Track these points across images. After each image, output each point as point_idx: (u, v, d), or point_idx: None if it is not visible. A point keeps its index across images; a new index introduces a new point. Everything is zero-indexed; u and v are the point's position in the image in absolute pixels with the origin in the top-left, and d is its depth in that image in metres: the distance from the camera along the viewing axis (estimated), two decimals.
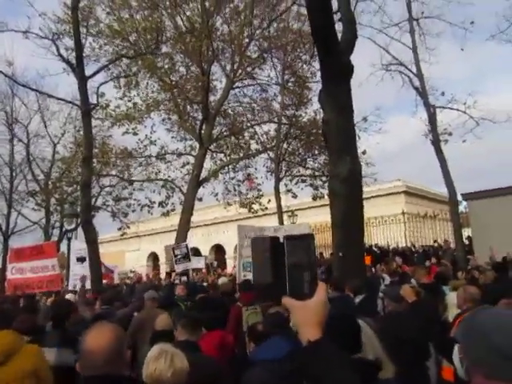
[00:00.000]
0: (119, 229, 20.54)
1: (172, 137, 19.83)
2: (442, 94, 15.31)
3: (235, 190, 19.63)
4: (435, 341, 3.95)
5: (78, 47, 10.67)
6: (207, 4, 16.25)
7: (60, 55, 11.56)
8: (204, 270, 17.31)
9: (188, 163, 19.44)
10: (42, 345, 3.38)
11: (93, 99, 12.67)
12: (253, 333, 3.53)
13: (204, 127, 16.88)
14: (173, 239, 16.75)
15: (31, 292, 11.16)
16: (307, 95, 19.00)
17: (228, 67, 18.40)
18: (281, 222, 17.57)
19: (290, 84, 19.30)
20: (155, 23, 15.21)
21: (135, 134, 18.30)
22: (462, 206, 15.15)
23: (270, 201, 18.50)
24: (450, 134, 14.82)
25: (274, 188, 18.05)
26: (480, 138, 14.90)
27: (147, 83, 18.25)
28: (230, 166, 19.57)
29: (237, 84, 18.88)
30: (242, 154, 19.55)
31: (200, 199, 18.82)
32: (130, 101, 17.80)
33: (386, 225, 18.27)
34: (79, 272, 12.36)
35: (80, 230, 12.07)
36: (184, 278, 11.75)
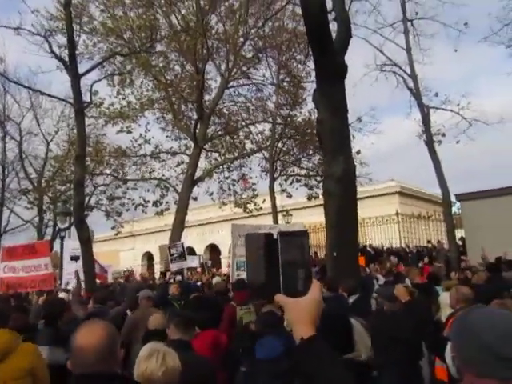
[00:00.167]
0: (113, 228, 20.46)
1: (166, 136, 19.81)
2: (436, 94, 15.40)
3: (230, 190, 19.64)
4: (428, 340, 3.97)
5: (71, 44, 10.58)
6: (202, 2, 16.20)
7: (53, 52, 11.46)
8: (199, 270, 17.30)
9: (182, 162, 19.42)
10: (34, 343, 3.36)
11: (86, 97, 12.60)
12: (246, 332, 3.52)
13: (199, 126, 16.85)
14: (167, 239, 16.71)
15: (24, 291, 11.08)
16: (302, 95, 19.06)
17: (223, 66, 18.39)
18: (275, 222, 17.57)
19: (284, 84, 19.32)
20: (149, 21, 15.15)
21: (129, 132, 18.24)
22: (456, 207, 15.24)
23: (264, 200, 18.50)
24: (444, 134, 14.91)
25: (268, 188, 18.05)
26: (473, 140, 15.00)
27: (142, 81, 18.22)
28: (224, 166, 19.56)
29: (232, 83, 18.87)
30: (236, 154, 19.54)
31: (195, 199, 18.80)
32: (124, 99, 17.74)
33: (380, 225, 18.32)
34: (73, 271, 12.30)
35: (74, 229, 12.00)
36: (178, 278, 11.72)
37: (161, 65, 17.52)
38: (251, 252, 1.07)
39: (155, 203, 18.90)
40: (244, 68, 18.85)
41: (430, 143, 13.99)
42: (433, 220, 18.54)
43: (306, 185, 19.42)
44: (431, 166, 13.86)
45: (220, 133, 19.71)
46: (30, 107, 22.62)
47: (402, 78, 15.35)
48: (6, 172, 23.17)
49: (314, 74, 8.40)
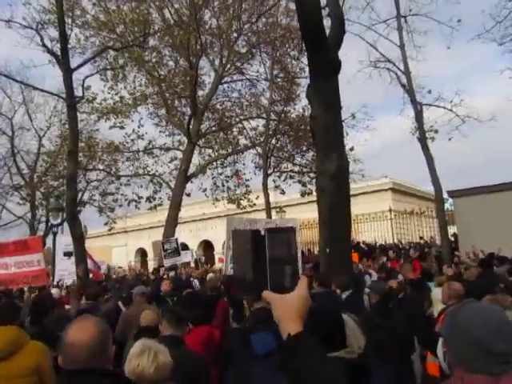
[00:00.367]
0: (106, 224, 20.37)
1: (160, 131, 19.74)
2: (429, 91, 15.45)
3: (223, 186, 19.62)
4: (420, 335, 3.99)
5: (63, 38, 10.46)
6: None
7: (44, 46, 11.33)
8: (193, 265, 17.28)
9: (176, 158, 19.37)
10: None
11: (79, 92, 12.49)
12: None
13: (192, 122, 16.78)
14: (161, 235, 16.68)
15: (16, 287, 11.01)
16: (296, 91, 19.04)
17: (216, 61, 18.34)
18: (269, 218, 17.58)
19: (278, 79, 19.29)
20: (142, 15, 15.04)
21: (122, 128, 18.14)
22: (448, 204, 15.34)
23: (258, 197, 18.50)
24: (436, 131, 14.97)
25: (262, 184, 18.05)
26: (466, 136, 15.07)
27: (134, 76, 18.12)
28: (218, 162, 19.53)
29: (225, 79, 18.83)
30: (230, 150, 19.52)
31: (188, 194, 18.77)
32: (116, 94, 17.62)
33: (373, 222, 18.40)
34: (66, 267, 12.23)
35: (67, 225, 11.93)
36: (172, 273, 11.70)
37: (154, 60, 17.41)
38: (239, 248, 1.06)
39: (148, 199, 18.84)
40: (238, 63, 18.80)
41: (422, 140, 14.03)
42: (425, 216, 18.65)
43: (299, 181, 19.44)
44: (424, 163, 13.92)
45: (214, 128, 19.66)
46: (22, 102, 22.47)
47: (396, 74, 15.37)
48: None
49: (307, 69, 8.38)
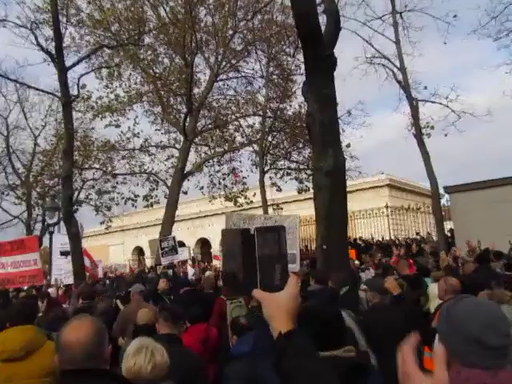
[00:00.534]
0: (102, 223, 20.32)
1: (156, 129, 19.69)
2: (425, 87, 15.52)
3: (220, 184, 19.60)
4: (417, 331, 4.00)
5: (58, 37, 10.41)
6: None
7: (39, 45, 11.26)
8: (190, 263, 17.27)
9: (172, 156, 19.35)
10: None
11: (74, 91, 12.44)
12: (235, 326, 3.52)
13: (188, 120, 16.75)
14: (158, 233, 16.65)
15: (13, 287, 10.97)
16: (292, 88, 19.03)
17: (212, 59, 18.28)
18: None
19: (274, 77, 19.27)
20: (137, 13, 14.97)
21: (117, 126, 18.08)
22: (444, 199, 15.39)
23: (255, 194, 18.50)
24: (432, 127, 15.02)
25: (258, 181, 18.04)
26: (462, 132, 15.14)
27: (130, 74, 18.06)
28: (214, 159, 19.50)
29: (221, 76, 18.78)
30: (226, 147, 19.49)
31: (185, 192, 18.75)
32: (112, 92, 17.56)
33: (370, 218, 18.45)
34: (63, 266, 12.20)
35: (63, 224, 11.89)
36: (169, 272, 11.68)
37: (149, 58, 17.35)
38: (228, 246, 1.06)
39: (145, 197, 18.82)
40: (233, 61, 18.76)
41: (418, 136, 14.07)
42: (422, 212, 18.71)
43: (296, 178, 19.45)
44: (420, 159, 13.97)
45: (210, 126, 19.62)
46: (17, 101, 22.30)
47: (392, 71, 15.40)
48: None
49: (303, 66, 8.37)
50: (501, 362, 1.26)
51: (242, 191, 19.18)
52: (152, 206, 18.96)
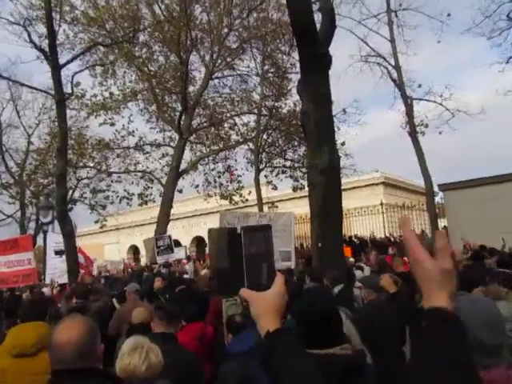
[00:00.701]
0: (96, 222, 20.24)
1: (151, 128, 19.62)
2: (419, 86, 15.57)
3: (215, 182, 19.58)
4: (412, 328, 4.01)
5: (51, 34, 10.32)
6: None
7: (32, 42, 11.17)
8: (185, 261, 17.25)
9: (167, 154, 19.28)
10: None
11: (67, 88, 12.36)
12: (231, 324, 3.52)
13: (183, 118, 16.70)
14: (153, 231, 16.61)
15: (6, 287, 10.91)
16: (287, 86, 19.00)
17: (207, 57, 18.23)
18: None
19: (269, 75, 19.24)
20: (132, 11, 14.89)
21: (112, 124, 17.99)
22: (439, 197, 15.47)
23: (250, 192, 18.49)
24: (427, 125, 15.10)
25: (253, 179, 18.04)
26: (455, 129, 15.23)
27: (124, 72, 17.96)
28: (209, 158, 19.47)
29: (216, 74, 18.73)
30: (221, 146, 19.45)
31: (180, 191, 18.70)
32: (106, 90, 17.48)
33: (365, 216, 18.49)
34: (58, 266, 12.14)
35: (57, 223, 11.83)
36: (165, 270, 11.66)
37: (144, 56, 17.27)
38: (215, 247, 1.07)
39: (140, 196, 18.76)
40: (228, 59, 18.72)
41: (413, 134, 14.14)
42: (416, 210, 18.78)
43: (291, 176, 19.46)
44: (415, 157, 14.03)
45: (205, 124, 19.58)
46: (10, 99, 22.15)
47: (386, 69, 15.46)
48: None
49: (298, 65, 8.37)
50: (496, 359, 1.27)
51: (237, 189, 19.16)
52: (147, 203, 18.91)
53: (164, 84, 17.63)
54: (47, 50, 10.70)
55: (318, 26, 7.78)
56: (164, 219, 16.48)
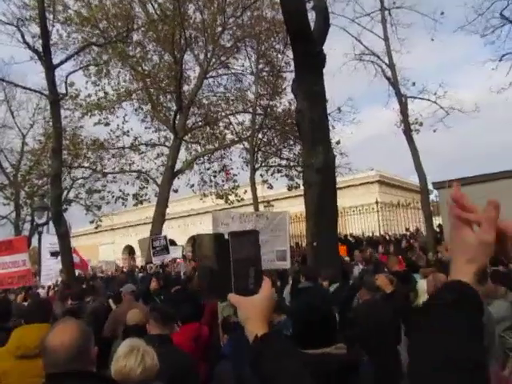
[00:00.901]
0: (92, 222, 20.16)
1: (146, 127, 19.56)
2: (413, 84, 15.59)
3: (211, 181, 19.56)
4: (407, 326, 4.03)
5: (45, 34, 10.25)
6: None
7: (25, 42, 11.11)
8: (179, 260, 17.22)
9: (162, 154, 19.23)
10: None
11: (62, 89, 12.30)
12: (226, 325, 3.52)
13: (178, 117, 16.66)
14: (148, 232, 16.58)
15: (1, 288, 10.86)
16: (281, 85, 19.00)
17: (201, 56, 18.20)
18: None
19: (264, 73, 19.22)
20: (125, 10, 14.83)
21: (107, 124, 17.94)
22: (433, 195, 15.53)
23: (246, 191, 18.48)
24: (421, 124, 15.14)
25: (249, 179, 18.03)
26: (450, 127, 15.29)
27: (119, 72, 17.90)
28: (205, 157, 19.45)
29: (211, 73, 18.72)
30: (217, 145, 19.43)
31: (176, 190, 18.68)
32: (100, 90, 17.40)
33: (361, 214, 18.54)
34: (53, 267, 12.10)
35: (52, 224, 11.78)
36: (159, 270, 11.66)
37: (138, 55, 17.21)
38: (202, 252, 1.07)
39: (135, 196, 18.70)
40: (223, 58, 18.70)
41: (407, 132, 14.17)
42: (411, 208, 18.84)
43: (286, 175, 19.48)
44: (409, 155, 14.07)
45: (200, 124, 19.55)
46: (4, 99, 21.98)
47: (380, 67, 15.47)
48: None
49: (293, 63, 8.38)
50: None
51: (232, 189, 19.15)
52: (142, 203, 18.86)
53: (158, 83, 17.58)
54: (41, 50, 10.63)
55: (312, 24, 7.79)
56: (159, 219, 16.45)
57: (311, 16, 8.35)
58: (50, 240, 12.49)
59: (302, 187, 12.49)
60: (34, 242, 17.40)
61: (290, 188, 19.39)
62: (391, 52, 14.83)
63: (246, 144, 19.15)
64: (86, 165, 19.39)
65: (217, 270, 1.01)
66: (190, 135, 19.31)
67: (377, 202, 18.52)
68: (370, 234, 17.62)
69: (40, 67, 11.22)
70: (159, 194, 17.25)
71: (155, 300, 6.52)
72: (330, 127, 9.40)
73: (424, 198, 14.10)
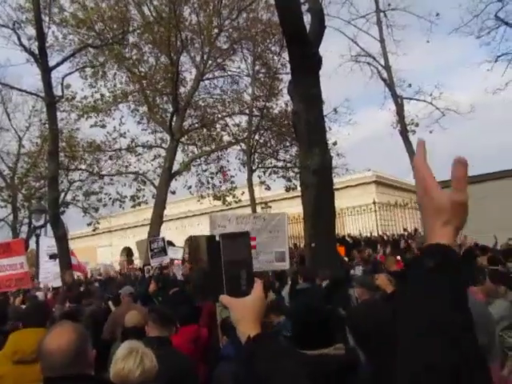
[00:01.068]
0: (89, 224, 20.11)
1: (142, 129, 19.54)
2: (409, 85, 15.67)
3: (208, 183, 19.55)
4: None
5: (41, 36, 10.25)
6: None
7: (22, 45, 11.10)
8: (176, 261, 17.19)
9: (159, 156, 19.21)
10: None
11: (58, 91, 12.27)
12: (225, 326, 3.52)
13: (174, 119, 16.67)
14: (146, 233, 16.54)
15: (0, 291, 10.82)
16: (278, 86, 19.03)
17: (198, 58, 18.20)
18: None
19: (260, 75, 19.25)
20: (121, 12, 14.82)
21: (103, 126, 17.91)
22: None
23: (243, 193, 18.48)
24: (417, 124, 15.21)
25: (246, 180, 18.03)
26: (445, 129, 15.36)
27: (115, 74, 17.87)
28: (202, 159, 19.43)
29: (207, 75, 18.73)
30: (213, 146, 19.43)
31: (173, 192, 18.65)
32: (97, 92, 17.38)
33: (358, 215, 18.57)
34: (51, 269, 12.06)
35: (50, 227, 11.76)
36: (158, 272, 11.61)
37: (134, 57, 17.20)
38: (195, 254, 1.09)
39: (132, 198, 18.67)
40: (219, 60, 18.71)
41: (403, 133, 14.24)
42: (409, 208, 18.89)
43: (283, 176, 19.48)
44: (406, 156, 14.13)
45: (196, 125, 19.54)
46: (0, 101, 21.95)
47: (376, 68, 15.56)
48: None
49: (289, 65, 8.39)
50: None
51: (230, 190, 19.15)
52: (140, 205, 18.83)
53: (155, 85, 17.58)
54: (37, 52, 10.63)
55: (308, 26, 7.81)
56: (157, 221, 16.43)
57: (307, 18, 8.39)
58: (47, 242, 12.45)
59: (299, 188, 12.53)
60: (32, 244, 17.36)
61: (287, 189, 19.40)
62: (387, 53, 14.90)
63: (242, 145, 19.16)
64: (82, 167, 19.36)
65: (209, 271, 1.02)
66: (186, 137, 19.30)
67: (374, 203, 18.56)
68: (368, 235, 17.64)
69: (36, 69, 11.22)
70: (157, 195, 17.23)
71: (154, 302, 6.51)
72: (327, 128, 9.42)
73: None
